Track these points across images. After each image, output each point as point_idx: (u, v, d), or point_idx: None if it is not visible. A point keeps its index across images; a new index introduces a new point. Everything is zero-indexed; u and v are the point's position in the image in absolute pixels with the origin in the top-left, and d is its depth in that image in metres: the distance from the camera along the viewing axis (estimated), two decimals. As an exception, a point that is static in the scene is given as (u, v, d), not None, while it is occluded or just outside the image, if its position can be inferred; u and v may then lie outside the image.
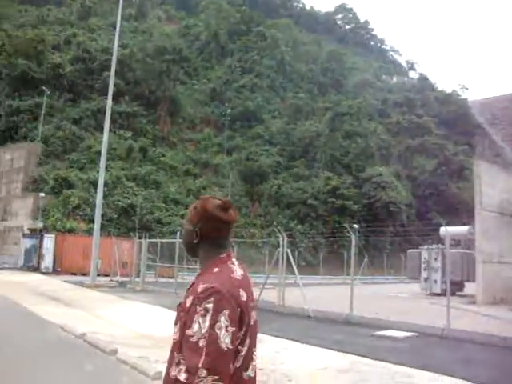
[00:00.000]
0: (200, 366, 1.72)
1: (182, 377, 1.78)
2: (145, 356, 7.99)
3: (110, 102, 25.98)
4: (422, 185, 64.61)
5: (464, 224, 28.17)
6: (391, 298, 22.89)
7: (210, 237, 2.04)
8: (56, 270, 29.60)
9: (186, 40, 75.92)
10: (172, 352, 1.94)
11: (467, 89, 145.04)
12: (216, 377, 1.73)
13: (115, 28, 28.11)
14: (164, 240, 26.73)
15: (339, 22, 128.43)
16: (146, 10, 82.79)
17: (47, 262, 30.34)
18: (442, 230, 22.81)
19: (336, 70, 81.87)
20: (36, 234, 33.58)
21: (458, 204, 59.64)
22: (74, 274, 27.65)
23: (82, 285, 22.11)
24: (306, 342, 10.01)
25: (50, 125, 47.79)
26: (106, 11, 76.40)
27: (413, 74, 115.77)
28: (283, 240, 16.06)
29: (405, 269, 43.70)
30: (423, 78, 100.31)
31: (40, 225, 35.66)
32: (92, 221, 28.30)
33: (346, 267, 35.84)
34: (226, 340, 1.78)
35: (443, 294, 19.67)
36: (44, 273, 28.95)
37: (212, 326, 1.77)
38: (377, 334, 11.58)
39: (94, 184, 34.09)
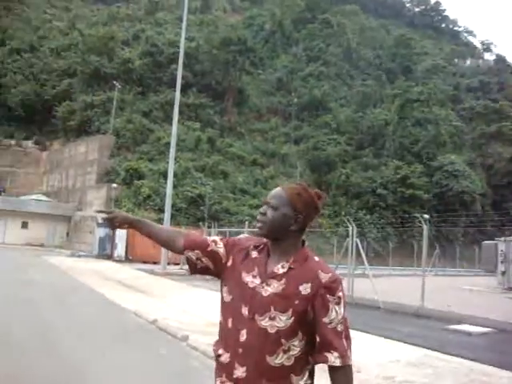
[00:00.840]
0: (347, 347, 1.95)
1: (338, 362, 1.91)
2: (215, 343, 8.04)
3: (178, 94, 26.42)
4: (499, 173, 61.64)
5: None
6: (465, 292, 21.98)
7: (306, 225, 2.07)
8: (128, 258, 30.64)
9: (250, 30, 75.92)
10: (276, 339, 1.94)
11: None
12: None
13: (181, 21, 28.46)
14: (233, 229, 26.97)
15: (408, 5, 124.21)
16: (211, 2, 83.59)
17: (120, 250, 31.43)
18: (522, 220, 21.60)
19: (405, 56, 79.33)
20: (109, 223, 34.83)
21: (539, 194, 56.61)
22: (146, 262, 28.43)
23: (152, 273, 22.74)
24: (375, 334, 9.76)
25: (121, 118, 49.37)
26: (172, 5, 77.91)
27: (488, 56, 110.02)
28: (352, 230, 15.79)
29: (479, 261, 42.10)
30: (500, 60, 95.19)
31: (113, 215, 36.93)
32: (162, 211, 28.96)
33: (416, 258, 34.97)
34: None
35: (523, 288, 18.71)
36: (117, 261, 30.03)
37: (344, 312, 1.97)
38: (450, 327, 11.11)
39: (164, 175, 34.87)
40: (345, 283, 15.41)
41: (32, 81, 58.66)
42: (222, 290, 2.13)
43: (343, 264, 17.38)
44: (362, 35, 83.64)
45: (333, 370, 1.93)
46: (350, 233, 15.93)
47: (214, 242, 2.20)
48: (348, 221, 16.49)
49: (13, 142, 56.11)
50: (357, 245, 15.89)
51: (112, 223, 2.34)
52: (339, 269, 17.19)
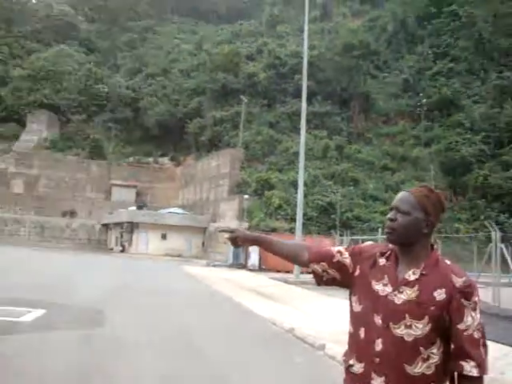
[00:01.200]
0: (484, 356, 1.85)
1: (475, 372, 1.83)
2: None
3: (304, 104, 26.47)
4: None
5: None
6: None
7: (434, 228, 2.03)
8: (261, 268, 31.07)
9: (372, 33, 74.26)
10: (413, 348, 1.89)
11: None
12: None
13: (302, 32, 28.63)
14: (365, 237, 26.24)
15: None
16: (330, 10, 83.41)
17: (253, 259, 32.05)
18: None
19: (549, 39, 72.37)
20: (242, 233, 35.76)
21: None
22: (279, 271, 28.57)
23: (286, 282, 22.75)
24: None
25: (249, 131, 50.80)
26: (291, 17, 78.96)
27: None
28: (496, 235, 14.54)
29: None
30: None
31: (245, 225, 37.89)
32: (293, 220, 29.07)
33: None
34: None
35: None
36: (250, 270, 30.63)
37: (480, 318, 1.89)
38: None
39: (294, 184, 35.09)
40: (489, 292, 14.10)
41: (165, 102, 62.84)
42: (350, 300, 2.13)
43: (485, 272, 16.08)
44: (496, 23, 77.66)
45: (466, 379, 1.86)
46: (493, 238, 14.70)
47: (340, 252, 2.18)
48: (490, 225, 15.35)
49: (151, 159, 60.51)
50: (501, 251, 14.57)
51: (235, 242, 2.36)
52: (481, 277, 15.92)
